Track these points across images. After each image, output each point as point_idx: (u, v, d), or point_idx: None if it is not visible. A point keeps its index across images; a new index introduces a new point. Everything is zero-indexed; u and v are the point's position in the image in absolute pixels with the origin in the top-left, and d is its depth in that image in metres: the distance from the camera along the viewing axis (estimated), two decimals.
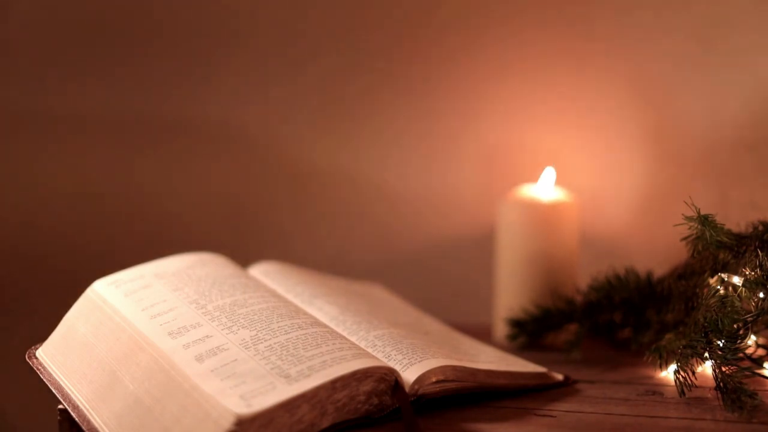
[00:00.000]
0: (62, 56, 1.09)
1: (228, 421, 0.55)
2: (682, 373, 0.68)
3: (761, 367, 0.71)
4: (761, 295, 0.68)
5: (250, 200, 1.10)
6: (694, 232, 0.71)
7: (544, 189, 0.92)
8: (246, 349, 0.62)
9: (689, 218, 0.70)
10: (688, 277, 0.78)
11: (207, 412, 0.57)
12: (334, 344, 0.64)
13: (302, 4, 1.06)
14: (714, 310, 0.67)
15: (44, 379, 0.67)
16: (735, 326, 0.67)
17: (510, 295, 0.90)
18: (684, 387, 0.68)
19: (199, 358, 0.61)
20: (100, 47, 1.09)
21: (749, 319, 0.67)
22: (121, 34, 1.09)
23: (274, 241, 1.10)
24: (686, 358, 0.68)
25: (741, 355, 0.67)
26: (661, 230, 0.98)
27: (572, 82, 1.02)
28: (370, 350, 0.68)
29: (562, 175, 0.96)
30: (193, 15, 1.08)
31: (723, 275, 0.71)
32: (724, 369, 0.66)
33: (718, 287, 0.70)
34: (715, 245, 0.70)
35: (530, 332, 0.88)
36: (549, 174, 0.93)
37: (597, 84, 1.01)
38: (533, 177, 0.96)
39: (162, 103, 1.09)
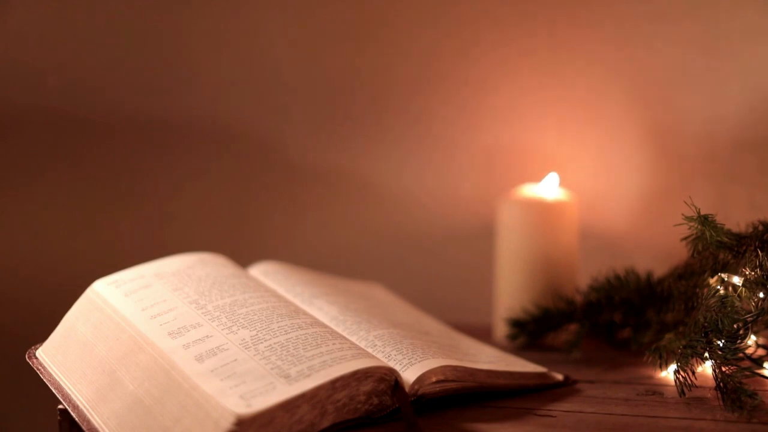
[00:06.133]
0: (63, 55, 1.09)
1: (228, 421, 0.55)
2: (682, 373, 0.68)
3: (761, 367, 0.71)
4: (761, 295, 0.68)
5: (250, 200, 1.10)
6: (694, 232, 0.71)
7: (545, 189, 0.92)
8: (246, 349, 0.62)
9: (689, 218, 0.70)
10: (688, 277, 0.78)
11: (207, 412, 0.57)
12: (334, 344, 0.64)
13: (306, 5, 1.06)
14: (714, 310, 0.67)
15: (44, 379, 0.67)
16: (735, 326, 0.67)
17: (510, 295, 0.90)
18: (684, 387, 0.68)
19: (199, 358, 0.61)
20: (100, 48, 1.09)
21: (749, 319, 0.67)
22: (122, 35, 1.09)
23: (274, 241, 1.10)
24: (686, 358, 0.68)
25: (741, 355, 0.66)
26: (661, 230, 0.98)
27: (572, 82, 1.02)
28: (370, 350, 0.68)
29: (562, 175, 0.96)
30: (194, 14, 1.08)
31: (723, 275, 0.71)
32: (724, 369, 0.66)
33: (718, 287, 0.70)
34: (715, 245, 0.70)
35: (530, 332, 0.88)
36: (552, 179, 0.93)
37: (597, 84, 1.01)
38: (533, 177, 0.96)
39: (162, 103, 1.09)
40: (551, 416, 0.66)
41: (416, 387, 0.64)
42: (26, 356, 0.70)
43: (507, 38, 1.02)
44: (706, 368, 0.70)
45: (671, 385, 0.72)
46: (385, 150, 1.07)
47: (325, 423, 0.61)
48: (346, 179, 1.08)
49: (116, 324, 0.67)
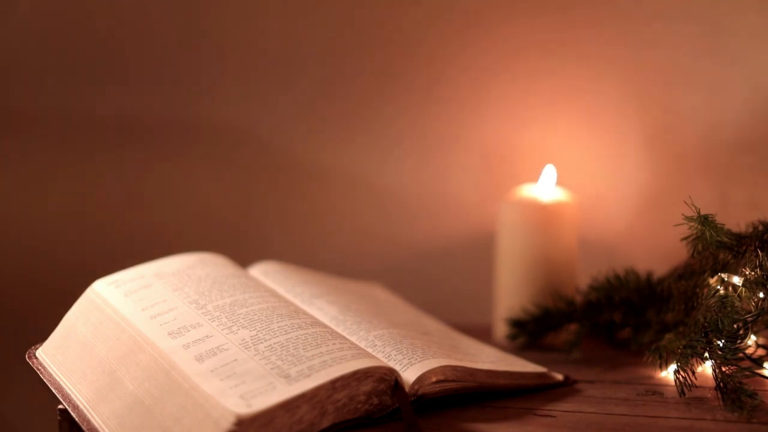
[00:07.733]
0: (63, 59, 1.09)
1: (228, 421, 0.55)
2: (682, 373, 0.68)
3: (761, 367, 0.71)
4: (761, 295, 0.68)
5: (250, 200, 1.10)
6: (694, 232, 0.71)
7: (545, 188, 0.92)
8: (246, 349, 0.62)
9: (689, 218, 0.70)
10: (688, 277, 0.78)
11: (207, 412, 0.57)
12: (334, 344, 0.64)
13: (303, 7, 1.06)
14: (714, 310, 0.67)
15: (44, 379, 0.67)
16: (735, 326, 0.67)
17: (510, 295, 0.90)
18: (684, 387, 0.68)
19: (199, 358, 0.61)
20: (102, 50, 1.09)
21: (749, 319, 0.67)
22: (123, 37, 1.09)
23: (275, 241, 1.10)
24: (686, 358, 0.68)
25: (741, 355, 0.67)
26: (661, 230, 0.98)
27: (572, 82, 1.02)
28: (370, 350, 0.68)
29: (562, 175, 0.96)
30: (194, 16, 1.08)
31: (723, 275, 0.71)
32: (724, 369, 0.66)
33: (718, 287, 0.70)
34: (715, 245, 0.70)
35: (530, 332, 0.88)
36: (549, 172, 0.93)
37: (597, 84, 1.01)
38: (533, 177, 0.96)
39: (162, 105, 1.09)
40: (551, 416, 0.66)
41: (416, 387, 0.64)
42: (26, 356, 0.70)
43: (506, 38, 1.02)
44: (706, 368, 0.70)
45: (671, 385, 0.72)
46: (384, 150, 1.07)
47: (325, 423, 0.61)
48: (346, 180, 1.08)
49: (116, 324, 0.67)
